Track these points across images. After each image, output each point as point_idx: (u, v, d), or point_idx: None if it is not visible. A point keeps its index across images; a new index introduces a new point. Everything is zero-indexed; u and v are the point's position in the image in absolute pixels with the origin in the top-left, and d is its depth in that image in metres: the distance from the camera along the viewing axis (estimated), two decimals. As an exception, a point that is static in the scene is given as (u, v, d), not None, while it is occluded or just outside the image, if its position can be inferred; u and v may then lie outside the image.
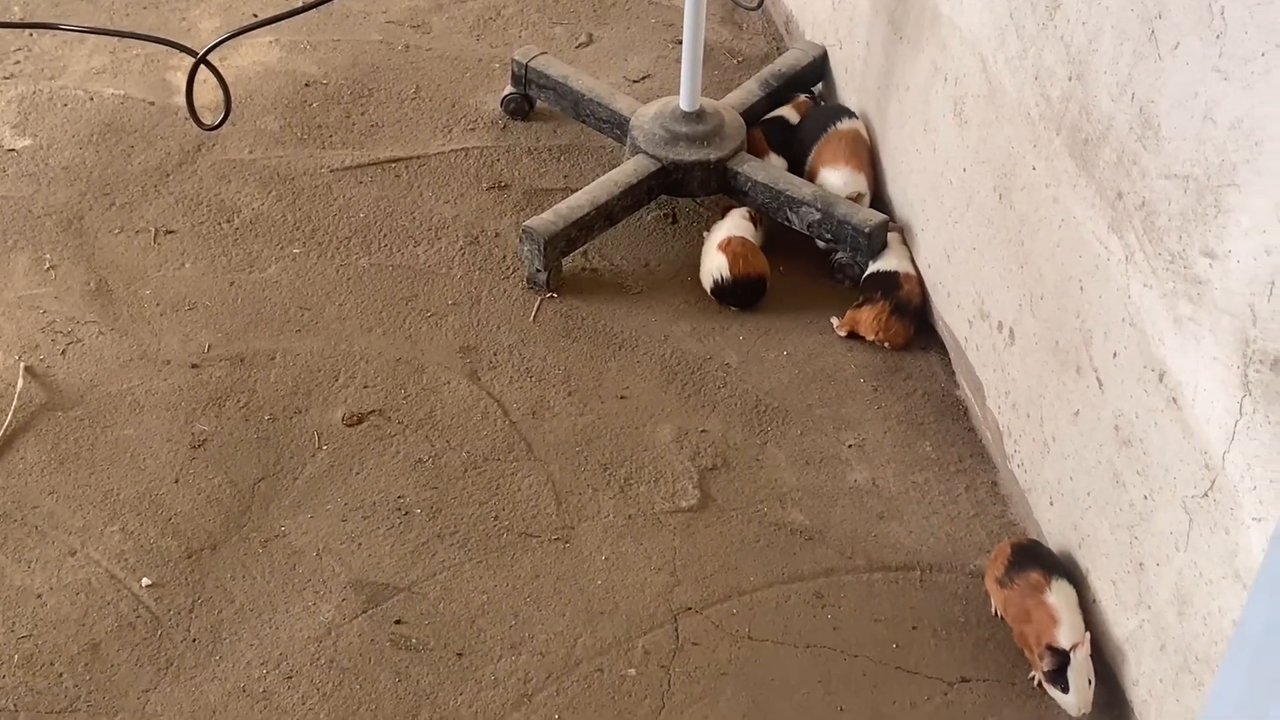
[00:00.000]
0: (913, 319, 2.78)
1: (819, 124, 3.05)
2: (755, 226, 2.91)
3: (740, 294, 2.84)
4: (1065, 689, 2.19)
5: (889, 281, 2.78)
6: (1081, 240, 2.21)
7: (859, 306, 2.79)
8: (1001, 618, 2.34)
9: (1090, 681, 2.19)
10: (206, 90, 3.27)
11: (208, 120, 2.43)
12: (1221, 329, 1.88)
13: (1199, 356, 1.93)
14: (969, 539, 2.48)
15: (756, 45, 3.55)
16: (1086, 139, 2.17)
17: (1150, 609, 2.12)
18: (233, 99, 3.23)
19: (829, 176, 2.95)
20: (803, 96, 3.21)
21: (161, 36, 2.42)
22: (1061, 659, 2.19)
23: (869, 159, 2.99)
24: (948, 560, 2.45)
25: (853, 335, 2.80)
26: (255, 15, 3.49)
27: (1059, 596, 2.25)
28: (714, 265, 2.85)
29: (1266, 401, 1.79)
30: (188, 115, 2.43)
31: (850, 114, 3.05)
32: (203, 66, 2.27)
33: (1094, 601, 2.28)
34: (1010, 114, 2.42)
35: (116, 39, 3.37)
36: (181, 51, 2.37)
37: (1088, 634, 2.21)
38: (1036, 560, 2.29)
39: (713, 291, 2.86)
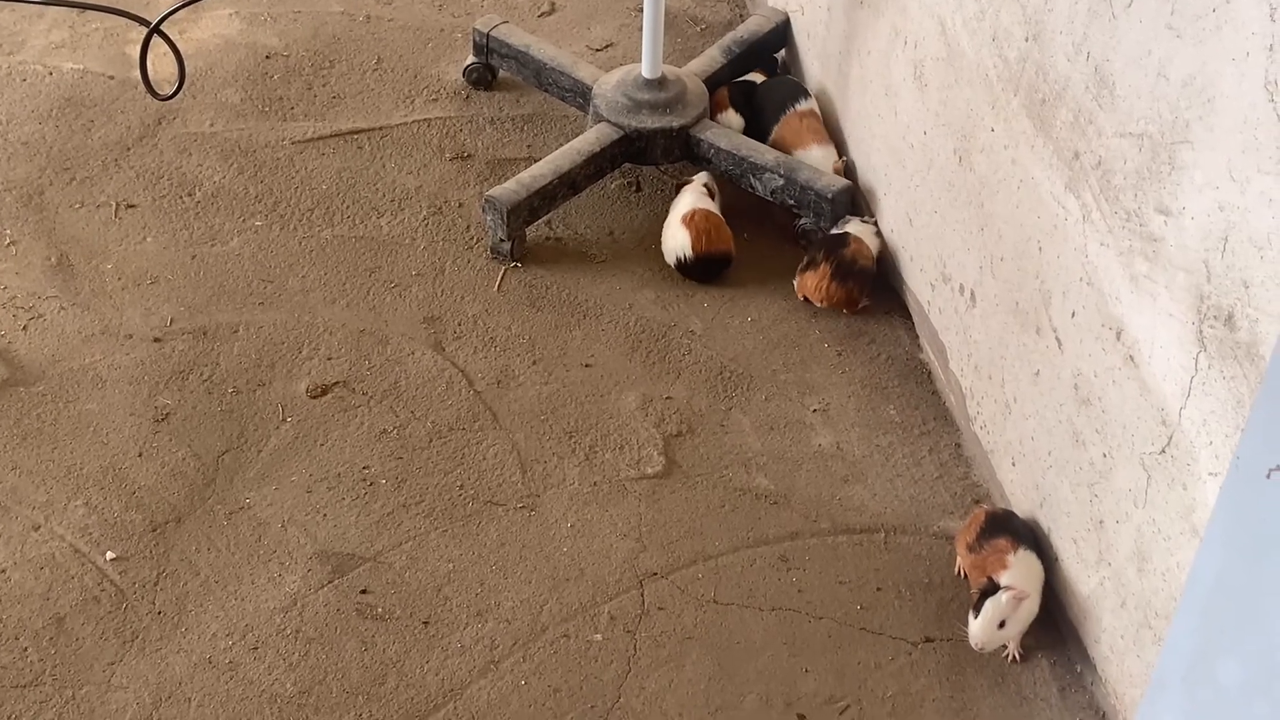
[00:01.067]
0: (858, 281, 2.74)
1: (778, 102, 3.04)
2: (712, 197, 2.90)
3: (704, 270, 2.84)
4: (976, 614, 2.21)
5: (834, 244, 2.77)
6: (1040, 200, 2.22)
7: (803, 271, 2.79)
8: (965, 578, 2.36)
9: (1002, 626, 2.20)
10: (167, 63, 3.25)
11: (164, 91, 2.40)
12: (1177, 286, 1.89)
13: (1155, 314, 1.94)
14: (933, 501, 2.50)
15: (719, 12, 3.54)
16: (1043, 99, 2.18)
17: (1110, 566, 2.13)
18: (193, 72, 3.23)
19: (806, 157, 2.94)
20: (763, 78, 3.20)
21: (114, 7, 2.40)
22: (990, 588, 2.21)
23: (824, 132, 3.00)
24: (911, 522, 2.46)
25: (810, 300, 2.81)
26: (215, -13, 3.46)
27: (1021, 561, 2.26)
28: (677, 243, 2.84)
29: (1221, 357, 1.80)
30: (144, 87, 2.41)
31: (806, 94, 3.05)
32: (158, 37, 2.25)
33: (1056, 560, 2.30)
34: (969, 76, 2.42)
35: (76, 13, 3.35)
36: (136, 22, 2.34)
37: (1032, 595, 2.23)
38: (1008, 529, 2.30)
39: (676, 267, 2.86)
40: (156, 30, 2.17)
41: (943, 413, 2.64)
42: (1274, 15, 1.64)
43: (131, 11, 2.43)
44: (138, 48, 2.78)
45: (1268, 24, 1.66)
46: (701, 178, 2.92)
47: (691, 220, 2.83)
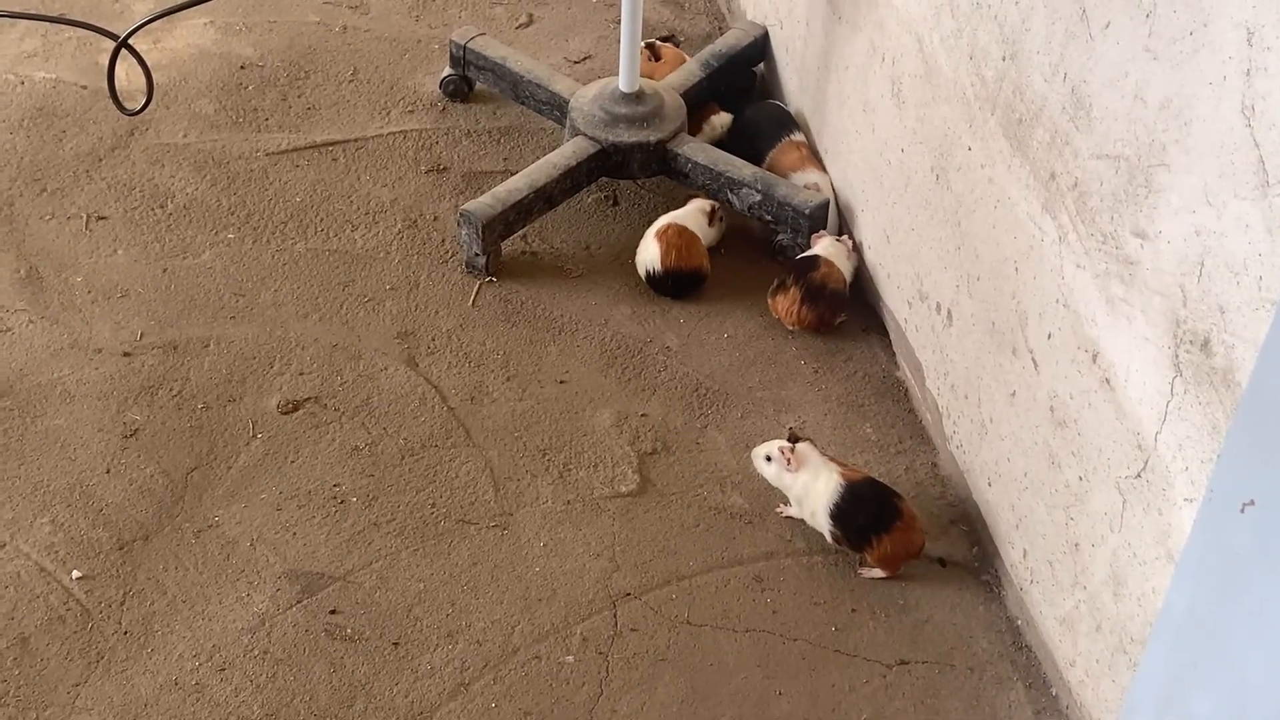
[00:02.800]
0: (829, 304, 2.72)
1: (773, 130, 3.02)
2: (710, 223, 2.87)
3: (673, 285, 2.82)
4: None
5: (805, 267, 2.75)
6: (1016, 221, 2.21)
7: (774, 294, 2.78)
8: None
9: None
10: (141, 73, 3.23)
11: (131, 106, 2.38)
12: (1153, 309, 1.87)
13: (1131, 337, 1.92)
14: (909, 521, 2.48)
15: (698, 25, 3.52)
16: (1020, 119, 2.17)
17: (1086, 589, 2.12)
18: (167, 82, 3.21)
19: (805, 179, 2.93)
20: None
21: (82, 20, 2.37)
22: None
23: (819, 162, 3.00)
24: (887, 542, 2.44)
25: (788, 318, 2.79)
26: (190, -4, 3.43)
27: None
28: (647, 256, 2.82)
29: (1197, 382, 1.79)
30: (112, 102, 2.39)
31: (796, 126, 3.03)
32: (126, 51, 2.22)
33: (1032, 582, 2.28)
34: (946, 94, 2.40)
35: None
36: (104, 36, 2.32)
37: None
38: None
39: (646, 280, 2.84)
40: (125, 44, 2.14)
41: (919, 432, 2.63)
42: (1251, 40, 1.63)
43: (99, 25, 2.40)
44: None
45: (1245, 48, 1.64)
46: (704, 204, 2.87)
47: (664, 234, 2.81)
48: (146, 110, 2.71)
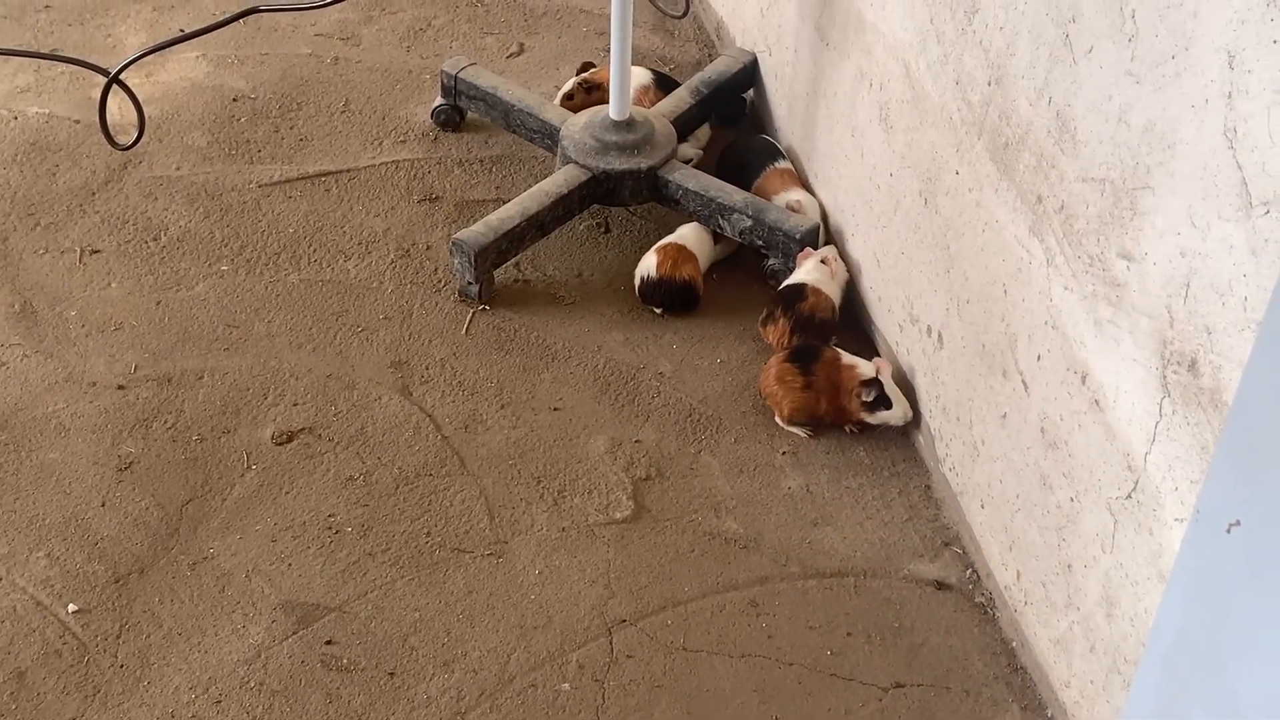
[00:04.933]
0: (819, 334, 2.73)
1: (758, 159, 3.04)
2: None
3: (663, 295, 2.83)
4: (889, 404, 2.58)
5: (792, 296, 2.76)
6: (1004, 243, 2.22)
7: (764, 323, 2.79)
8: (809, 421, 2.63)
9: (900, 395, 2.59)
10: (131, 108, 3.25)
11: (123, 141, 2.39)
12: (1140, 331, 1.88)
13: (1119, 358, 1.94)
14: (903, 544, 2.48)
15: (688, 52, 3.54)
16: (1006, 143, 2.18)
17: (1079, 610, 2.12)
18: (160, 115, 3.23)
19: (789, 197, 2.95)
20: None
21: (73, 57, 2.39)
22: (876, 385, 2.57)
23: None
24: (881, 565, 2.45)
25: (782, 344, 2.80)
26: (182, 30, 3.44)
27: (849, 356, 2.62)
28: (645, 265, 2.86)
29: (1185, 403, 1.80)
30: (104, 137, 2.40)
31: (782, 155, 3.05)
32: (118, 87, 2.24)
33: (1026, 603, 2.29)
34: (933, 119, 2.42)
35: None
36: (95, 72, 2.33)
37: (883, 361, 2.63)
38: (812, 350, 2.62)
39: (639, 290, 2.85)
40: (116, 80, 2.15)
41: (912, 454, 2.63)
42: (1232, 63, 1.64)
43: (90, 61, 2.41)
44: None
45: (1226, 71, 1.66)
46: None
47: (664, 249, 2.85)
48: (139, 144, 2.73)
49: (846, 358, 2.64)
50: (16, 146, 3.16)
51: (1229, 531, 1.27)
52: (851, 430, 2.64)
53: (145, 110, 3.20)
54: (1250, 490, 1.25)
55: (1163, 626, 1.45)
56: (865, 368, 2.61)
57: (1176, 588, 1.39)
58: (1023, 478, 2.25)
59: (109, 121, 2.84)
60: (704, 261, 2.89)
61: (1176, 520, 1.85)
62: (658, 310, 2.86)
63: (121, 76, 2.66)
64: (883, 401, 2.58)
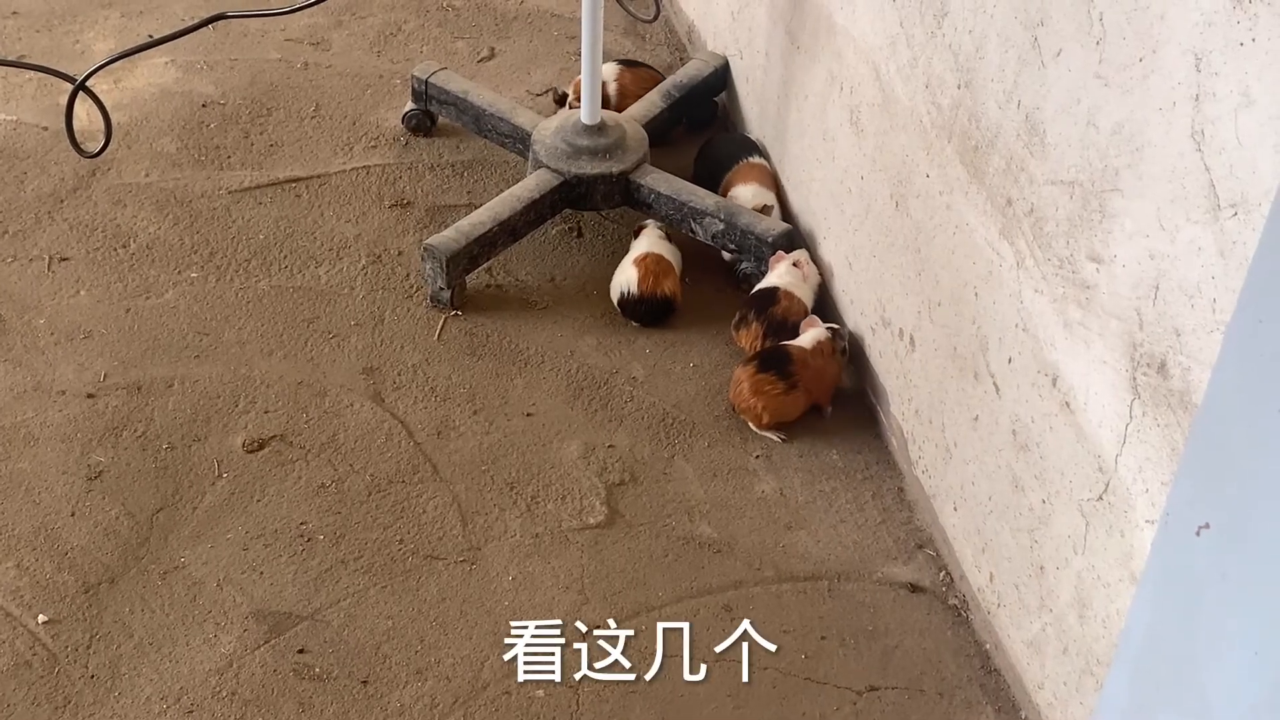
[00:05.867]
0: (793, 337, 2.72)
1: (730, 154, 3.05)
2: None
3: (646, 311, 2.83)
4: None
5: (764, 301, 2.75)
6: (975, 246, 2.22)
7: (736, 328, 2.79)
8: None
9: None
10: (100, 114, 3.22)
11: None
12: (1110, 333, 1.89)
13: (1089, 360, 1.94)
14: (876, 546, 2.49)
15: (660, 56, 3.54)
16: (976, 146, 2.18)
17: (1052, 612, 2.13)
18: (129, 121, 3.21)
19: (740, 191, 2.96)
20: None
21: (39, 64, 2.37)
22: (837, 333, 2.67)
23: (775, 187, 3.00)
24: (855, 568, 2.45)
25: (755, 348, 2.80)
26: (150, 36, 3.43)
27: (804, 337, 2.66)
28: (624, 278, 2.84)
29: (1155, 405, 1.80)
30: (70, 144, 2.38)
31: (759, 151, 3.05)
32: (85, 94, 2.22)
33: (999, 605, 2.29)
34: (904, 122, 2.42)
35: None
36: (61, 79, 2.31)
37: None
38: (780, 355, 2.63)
39: (619, 304, 2.85)
40: (82, 87, 2.14)
41: (885, 457, 2.64)
42: (1199, 65, 1.65)
43: (58, 68, 2.40)
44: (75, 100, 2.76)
45: (1193, 74, 1.66)
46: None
47: (643, 261, 2.84)
48: (107, 151, 2.72)
49: (806, 339, 2.66)
50: (-16, 154, 3.14)
51: (1198, 534, 1.28)
52: (828, 413, 2.68)
53: (114, 117, 3.19)
54: (1219, 493, 1.26)
55: (1133, 629, 1.45)
56: (820, 329, 2.67)
57: (1146, 590, 1.40)
58: (995, 480, 2.25)
59: (78, 128, 2.84)
60: (677, 267, 2.89)
61: (1148, 522, 1.86)
62: (635, 324, 2.85)
63: (90, 83, 2.65)
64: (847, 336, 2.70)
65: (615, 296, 2.86)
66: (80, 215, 3.02)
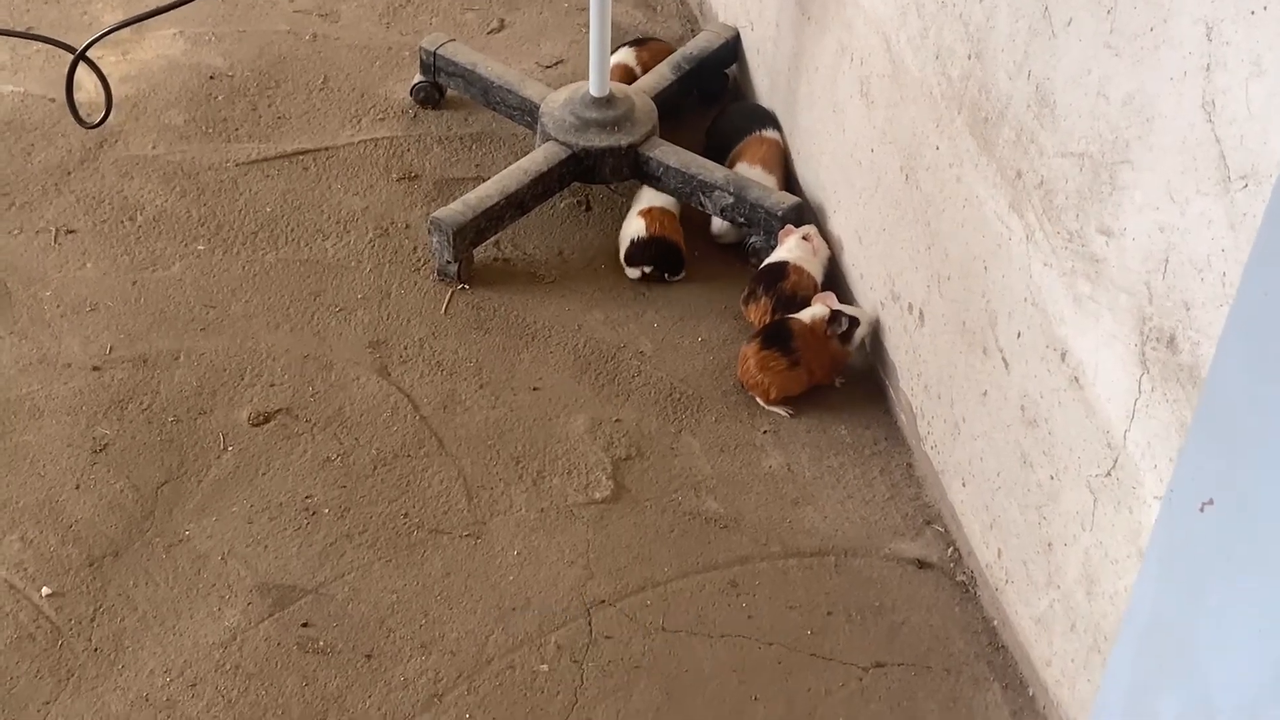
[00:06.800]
0: (800, 311, 2.69)
1: (741, 127, 3.02)
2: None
3: (655, 253, 2.82)
4: (855, 321, 2.63)
5: (773, 275, 2.73)
6: (984, 220, 2.20)
7: (745, 302, 2.76)
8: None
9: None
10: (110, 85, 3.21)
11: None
12: (1119, 307, 1.86)
13: (1098, 335, 1.91)
14: (884, 522, 2.47)
15: (670, 28, 3.51)
16: (986, 118, 2.16)
17: (1060, 589, 2.11)
18: (136, 93, 3.20)
19: (742, 170, 2.93)
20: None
21: (38, 34, 2.35)
22: (839, 317, 2.61)
23: (782, 165, 2.97)
24: (862, 544, 2.43)
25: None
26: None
27: (807, 312, 2.63)
28: (632, 228, 2.86)
29: (1164, 379, 1.78)
30: (84, 113, 2.37)
31: (774, 123, 3.02)
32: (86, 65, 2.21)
33: (1007, 581, 2.27)
34: (914, 94, 2.39)
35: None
36: (61, 49, 2.30)
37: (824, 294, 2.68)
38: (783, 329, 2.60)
39: (627, 252, 2.84)
40: (83, 57, 2.12)
41: (894, 432, 2.61)
42: (1210, 35, 1.62)
43: (62, 38, 2.38)
44: (81, 70, 2.74)
45: (1204, 44, 1.63)
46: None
47: (648, 211, 2.87)
48: (113, 123, 2.71)
49: (807, 315, 2.63)
50: (-9, 126, 3.14)
51: (1202, 511, 1.26)
52: (840, 383, 2.66)
53: (122, 89, 3.19)
54: (1223, 469, 1.24)
55: (1137, 607, 1.43)
56: (819, 309, 2.63)
57: (1150, 567, 1.38)
58: (1003, 456, 2.23)
59: (85, 100, 2.82)
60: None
61: (1156, 498, 1.84)
62: (646, 269, 2.84)
63: (97, 55, 2.63)
64: (851, 322, 2.62)
65: (624, 247, 2.86)
66: (87, 187, 3.01)
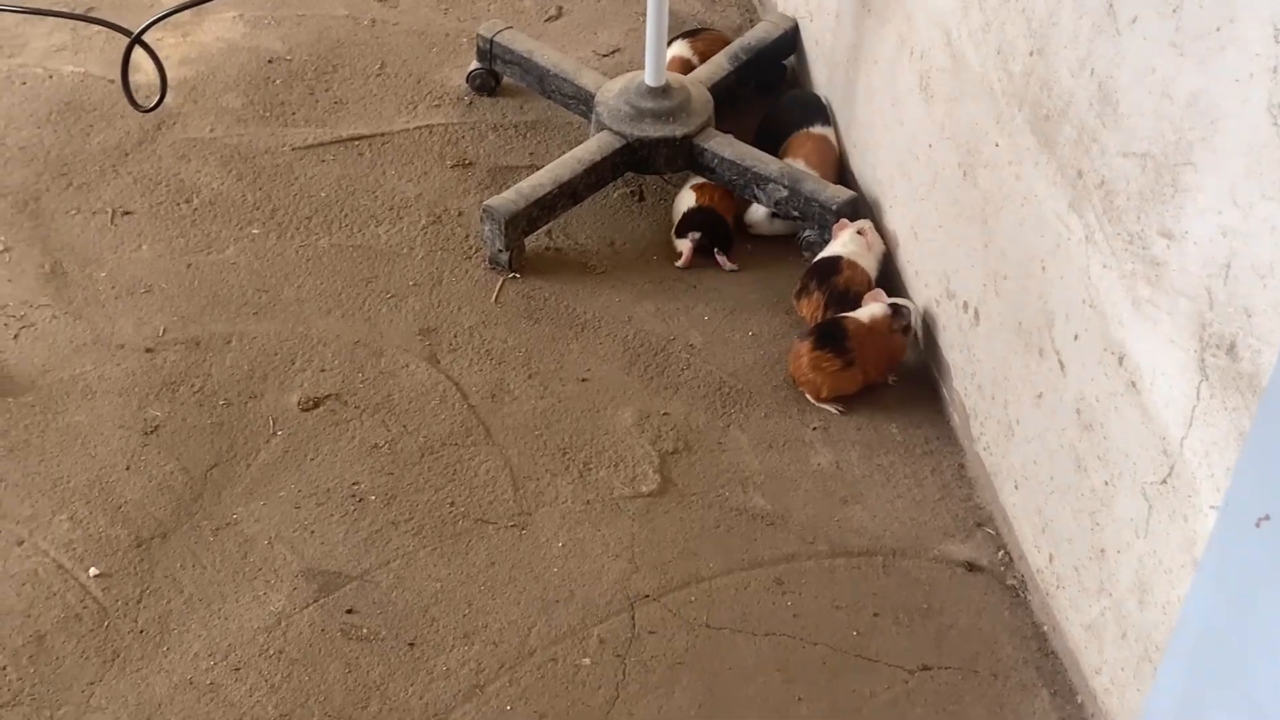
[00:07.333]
0: (855, 307, 2.66)
1: (793, 120, 2.99)
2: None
3: (705, 220, 2.83)
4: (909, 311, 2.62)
5: (826, 270, 2.70)
6: (1043, 219, 2.16)
7: (798, 296, 2.74)
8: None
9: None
10: (168, 67, 3.22)
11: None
12: (1179, 312, 1.82)
13: (1157, 340, 1.88)
14: (934, 523, 2.44)
15: (729, 17, 3.49)
16: (1047, 115, 2.12)
17: (1112, 596, 2.07)
18: (195, 76, 3.21)
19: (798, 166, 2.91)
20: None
21: (95, 17, 2.36)
22: (900, 310, 2.60)
23: (830, 160, 2.93)
24: (911, 545, 2.40)
25: (817, 317, 2.75)
26: (219, -10, 3.43)
27: (863, 311, 2.60)
28: (684, 200, 2.89)
29: (1223, 387, 1.74)
30: (141, 96, 2.37)
31: (825, 116, 2.99)
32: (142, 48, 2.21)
33: (1058, 587, 2.24)
34: (974, 89, 2.36)
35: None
36: (117, 32, 2.30)
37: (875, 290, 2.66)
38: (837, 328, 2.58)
39: (679, 224, 2.85)
40: (138, 41, 2.12)
41: (946, 432, 2.58)
42: (1278, 36, 1.58)
43: (115, 21, 2.38)
44: (140, 52, 2.76)
45: (1271, 45, 1.59)
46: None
47: (701, 186, 2.89)
48: (171, 105, 2.71)
49: (864, 314, 2.60)
50: (51, 105, 3.15)
51: (1258, 526, 1.22)
52: (893, 380, 2.63)
53: (181, 71, 3.20)
54: (1281, 484, 1.20)
55: (1188, 620, 1.40)
56: (876, 307, 2.60)
57: (1203, 582, 1.35)
58: (1057, 459, 2.20)
59: (144, 82, 2.83)
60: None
61: (1211, 507, 1.80)
62: (695, 236, 2.82)
63: (155, 36, 2.64)
64: (910, 314, 2.63)
65: (676, 219, 2.87)
66: (144, 169, 3.02)
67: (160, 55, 2.82)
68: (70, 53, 3.29)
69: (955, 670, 2.24)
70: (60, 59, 3.27)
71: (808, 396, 2.60)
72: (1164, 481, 1.90)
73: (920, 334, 2.66)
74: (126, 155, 3.05)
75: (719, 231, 2.85)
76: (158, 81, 2.84)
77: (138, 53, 2.79)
